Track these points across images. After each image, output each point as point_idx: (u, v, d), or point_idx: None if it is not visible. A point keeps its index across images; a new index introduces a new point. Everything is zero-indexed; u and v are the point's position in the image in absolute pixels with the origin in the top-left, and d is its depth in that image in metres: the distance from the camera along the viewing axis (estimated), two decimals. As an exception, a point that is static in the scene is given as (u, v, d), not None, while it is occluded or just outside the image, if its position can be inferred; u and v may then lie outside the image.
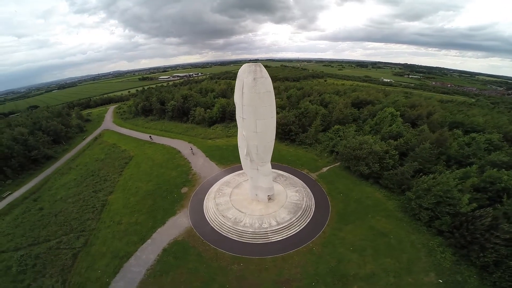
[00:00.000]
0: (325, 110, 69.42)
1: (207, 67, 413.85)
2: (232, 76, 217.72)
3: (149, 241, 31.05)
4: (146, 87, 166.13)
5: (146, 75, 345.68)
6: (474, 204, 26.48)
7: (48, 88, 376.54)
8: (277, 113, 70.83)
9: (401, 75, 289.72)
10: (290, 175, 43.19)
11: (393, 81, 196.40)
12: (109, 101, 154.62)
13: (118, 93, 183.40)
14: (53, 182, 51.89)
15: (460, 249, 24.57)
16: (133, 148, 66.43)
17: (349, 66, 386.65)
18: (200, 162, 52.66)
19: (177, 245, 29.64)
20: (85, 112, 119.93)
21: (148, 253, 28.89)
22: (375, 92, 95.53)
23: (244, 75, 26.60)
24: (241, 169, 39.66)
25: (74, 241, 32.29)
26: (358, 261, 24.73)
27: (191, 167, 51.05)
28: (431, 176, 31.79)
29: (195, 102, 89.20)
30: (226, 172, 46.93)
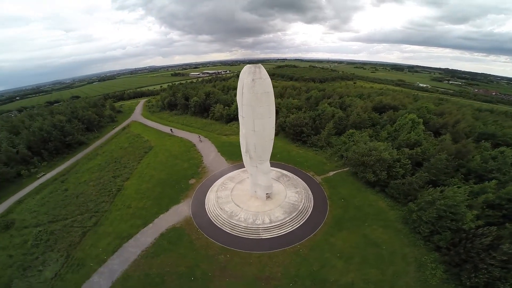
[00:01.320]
0: (343, 113, 67.54)
1: (235, 65, 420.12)
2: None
3: (150, 225, 33.42)
4: (175, 83, 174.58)
5: (178, 71, 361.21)
6: (480, 222, 24.48)
7: (90, 80, 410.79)
8: (292, 113, 71.36)
9: (440, 81, 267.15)
10: (294, 176, 43.10)
11: (429, 87, 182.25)
12: (141, 95, 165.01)
13: (151, 88, 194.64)
14: (80, 166, 57.40)
15: (453, 267, 22.86)
16: (154, 139, 70.78)
17: (383, 69, 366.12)
18: (211, 157, 54.65)
19: (173, 231, 31.58)
20: (118, 104, 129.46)
21: (147, 236, 31.18)
22: (403, 97, 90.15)
23: (244, 75, 27.48)
24: (247, 166, 40.79)
25: (86, 220, 35.83)
26: (342, 269, 24.23)
27: (202, 160, 53.26)
28: (439, 189, 29.81)
29: (216, 99, 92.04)
30: (234, 168, 48.21)
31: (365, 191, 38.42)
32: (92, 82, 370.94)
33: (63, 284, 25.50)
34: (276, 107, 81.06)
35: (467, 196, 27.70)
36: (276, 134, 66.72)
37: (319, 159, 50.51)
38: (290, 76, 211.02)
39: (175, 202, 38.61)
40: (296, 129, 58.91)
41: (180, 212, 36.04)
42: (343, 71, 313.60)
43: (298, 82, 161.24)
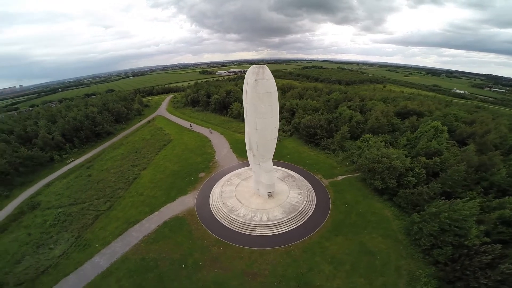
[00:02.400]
0: (362, 117, 65.26)
1: (261, 64, 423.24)
2: (281, 75, 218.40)
3: (156, 213, 35.59)
4: (201, 80, 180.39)
5: (206, 69, 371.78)
6: (487, 239, 22.62)
7: (125, 75, 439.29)
8: (309, 115, 70.34)
9: (481, 87, 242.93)
10: (300, 177, 42.86)
11: (467, 93, 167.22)
12: (169, 91, 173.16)
13: (179, 84, 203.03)
14: (105, 154, 62.28)
15: (446, 283, 21.37)
16: (174, 133, 74.38)
17: (418, 73, 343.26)
18: (223, 153, 56.23)
19: (176, 220, 33.36)
20: (146, 99, 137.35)
21: (151, 223, 33.31)
22: (433, 103, 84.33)
23: (248, 75, 28.28)
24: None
25: (101, 205, 39.07)
26: (329, 274, 23.75)
27: (214, 155, 55.03)
28: (448, 201, 27.97)
29: (235, 98, 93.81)
30: (243, 165, 49.14)
31: (372, 198, 37.08)
32: (127, 77, 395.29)
33: (67, 262, 28.22)
34: (293, 108, 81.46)
35: (480, 210, 25.74)
36: (290, 135, 67.23)
37: (330, 163, 49.53)
38: (315, 78, 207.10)
39: (183, 193, 40.54)
40: (310, 131, 58.24)
41: (185, 202, 37.84)
42: (373, 74, 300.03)
43: (322, 83, 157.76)
